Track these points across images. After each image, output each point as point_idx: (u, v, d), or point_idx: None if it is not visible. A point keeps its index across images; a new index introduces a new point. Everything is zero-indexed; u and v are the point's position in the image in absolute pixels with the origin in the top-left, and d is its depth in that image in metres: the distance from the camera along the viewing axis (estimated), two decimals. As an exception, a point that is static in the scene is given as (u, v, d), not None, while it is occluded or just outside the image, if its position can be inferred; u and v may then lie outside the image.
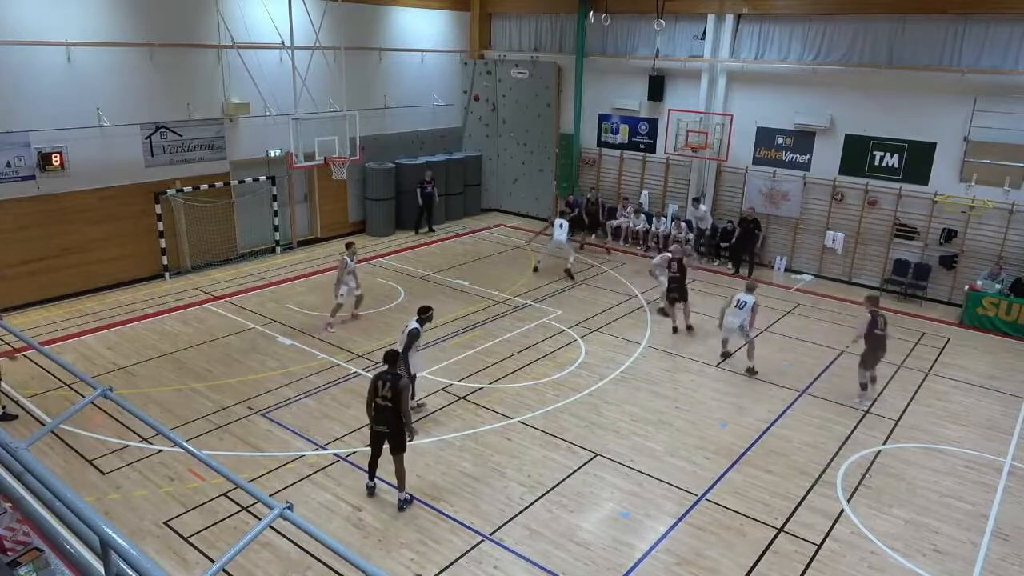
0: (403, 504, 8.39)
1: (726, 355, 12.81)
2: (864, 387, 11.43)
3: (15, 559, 3.53)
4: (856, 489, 9.12)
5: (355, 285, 13.42)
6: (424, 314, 10.15)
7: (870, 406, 11.23)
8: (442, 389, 11.31)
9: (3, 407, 10.01)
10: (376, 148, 19.73)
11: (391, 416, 8.11)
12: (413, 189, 19.95)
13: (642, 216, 19.88)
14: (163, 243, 15.80)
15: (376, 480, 8.66)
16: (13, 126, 13.21)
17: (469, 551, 7.73)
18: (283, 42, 16.17)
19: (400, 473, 8.35)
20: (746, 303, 12.08)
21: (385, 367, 8.33)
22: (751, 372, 12.18)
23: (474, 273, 17.13)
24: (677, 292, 13.89)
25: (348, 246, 13.53)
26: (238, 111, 16.44)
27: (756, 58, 17.97)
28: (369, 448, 8.57)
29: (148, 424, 4.02)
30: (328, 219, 19.50)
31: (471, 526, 8.14)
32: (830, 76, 16.84)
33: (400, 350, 9.39)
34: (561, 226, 16.76)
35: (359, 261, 14.47)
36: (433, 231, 20.44)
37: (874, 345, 11.21)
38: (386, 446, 8.32)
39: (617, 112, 20.54)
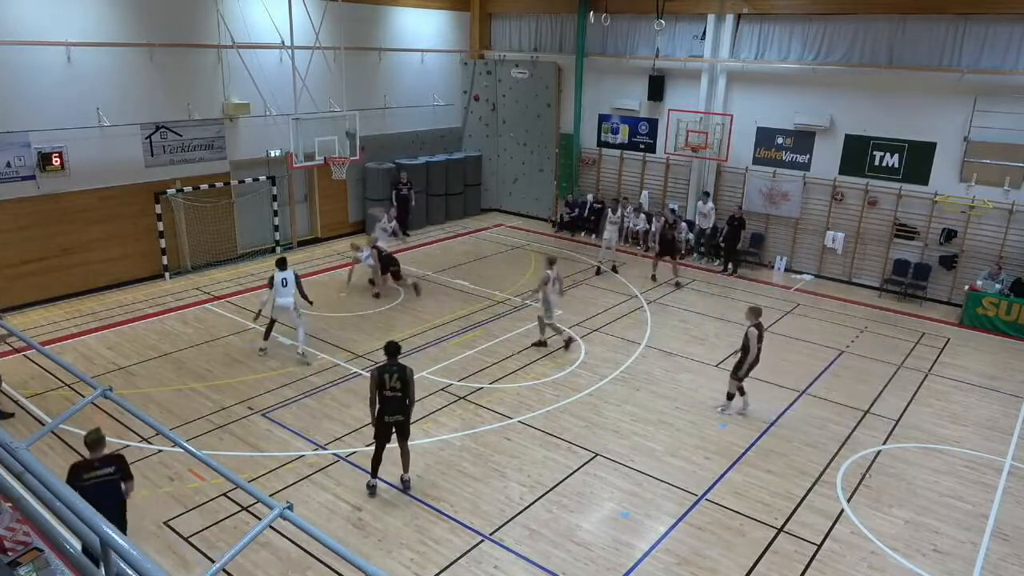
0: (408, 485, 8.72)
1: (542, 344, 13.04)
2: (731, 397, 10.87)
3: (15, 559, 3.53)
4: (856, 489, 9.12)
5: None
6: (285, 263, 12.12)
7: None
8: (442, 389, 11.31)
9: None
10: (376, 148, 19.72)
11: (401, 404, 8.41)
12: (388, 194, 19.38)
13: (642, 216, 19.87)
14: (163, 243, 15.80)
15: (377, 480, 8.68)
16: (13, 126, 13.21)
17: (469, 551, 7.73)
18: (283, 42, 16.17)
19: (408, 455, 8.75)
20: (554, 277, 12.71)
21: (387, 360, 8.50)
22: (541, 344, 12.93)
23: (474, 273, 17.12)
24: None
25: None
26: (238, 111, 16.44)
27: (756, 58, 17.96)
28: (373, 445, 8.60)
29: (148, 424, 4.02)
30: (328, 219, 19.50)
31: (471, 526, 8.14)
32: (830, 76, 16.83)
33: (293, 302, 11.88)
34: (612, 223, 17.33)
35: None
36: (408, 236, 19.33)
37: (756, 358, 10.56)
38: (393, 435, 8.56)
39: (617, 112, 20.53)
